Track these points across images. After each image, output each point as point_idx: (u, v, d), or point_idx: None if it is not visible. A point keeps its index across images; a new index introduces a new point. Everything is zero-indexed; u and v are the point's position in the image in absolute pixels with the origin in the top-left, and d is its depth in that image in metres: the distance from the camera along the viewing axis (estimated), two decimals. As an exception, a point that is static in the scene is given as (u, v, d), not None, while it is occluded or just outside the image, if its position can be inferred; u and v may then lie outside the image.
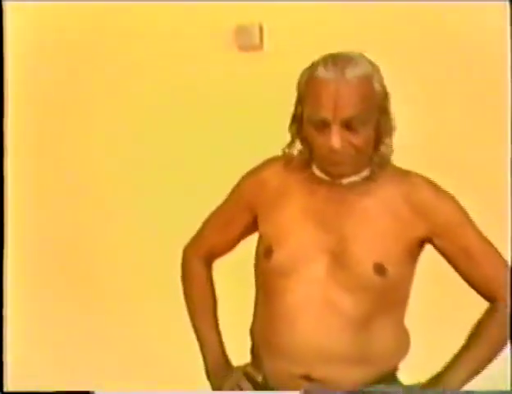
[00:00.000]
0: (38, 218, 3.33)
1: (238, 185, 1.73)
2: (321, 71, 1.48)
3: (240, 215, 1.71)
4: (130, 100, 2.92)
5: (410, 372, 1.68)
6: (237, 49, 2.38)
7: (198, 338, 1.78)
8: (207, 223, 1.78)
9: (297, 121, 1.58)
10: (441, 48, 2.56)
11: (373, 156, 1.55)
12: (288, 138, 1.62)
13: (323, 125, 1.48)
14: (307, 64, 2.42)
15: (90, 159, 3.16)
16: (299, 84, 1.55)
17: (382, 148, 1.55)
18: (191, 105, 2.65)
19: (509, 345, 1.29)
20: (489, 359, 1.58)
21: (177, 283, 1.96)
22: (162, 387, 2.93)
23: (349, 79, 1.46)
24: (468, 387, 1.72)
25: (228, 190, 1.78)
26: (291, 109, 2.26)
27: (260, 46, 2.34)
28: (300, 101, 1.56)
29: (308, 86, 1.51)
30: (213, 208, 1.80)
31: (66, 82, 3.15)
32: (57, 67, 3.15)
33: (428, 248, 1.66)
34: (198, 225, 1.88)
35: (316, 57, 2.40)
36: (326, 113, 1.46)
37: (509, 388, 2.51)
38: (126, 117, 2.98)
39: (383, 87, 1.53)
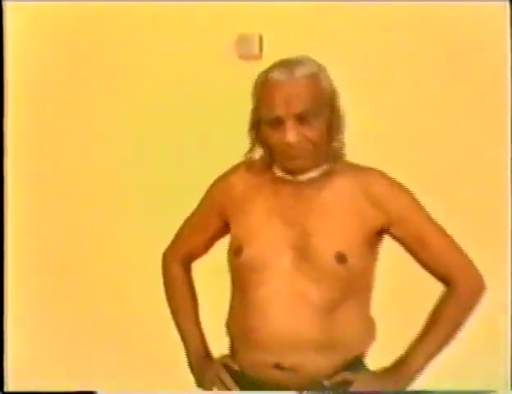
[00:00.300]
0: (38, 217, 3.37)
1: (208, 192, 1.84)
2: (273, 74, 1.62)
3: (211, 219, 1.82)
4: (130, 102, 2.99)
5: (378, 358, 1.73)
6: (238, 58, 2.49)
7: (181, 335, 1.89)
8: (182, 229, 1.91)
9: (255, 127, 1.69)
10: (442, 49, 2.60)
11: (328, 151, 1.65)
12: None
13: (278, 123, 1.60)
14: None
15: (90, 159, 3.22)
16: (254, 90, 1.68)
17: (335, 144, 1.66)
18: (192, 109, 2.73)
19: (509, 345, 1.29)
20: (447, 341, 1.67)
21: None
22: (163, 386, 2.94)
23: (298, 77, 1.60)
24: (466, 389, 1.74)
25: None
26: None
27: (259, 55, 2.46)
28: (257, 106, 1.68)
29: (263, 89, 1.64)
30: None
31: (66, 82, 3.25)
32: (56, 67, 3.24)
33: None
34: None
35: None
36: (279, 111, 1.59)
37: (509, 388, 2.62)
38: (127, 119, 3.03)
39: (331, 85, 1.66)
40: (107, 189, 3.13)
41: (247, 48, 2.45)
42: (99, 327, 3.15)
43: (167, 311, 2.26)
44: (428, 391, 1.84)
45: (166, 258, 1.95)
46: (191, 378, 2.06)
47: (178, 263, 1.93)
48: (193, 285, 1.93)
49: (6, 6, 3.19)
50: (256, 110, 1.69)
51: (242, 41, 2.45)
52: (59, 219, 3.31)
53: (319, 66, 1.66)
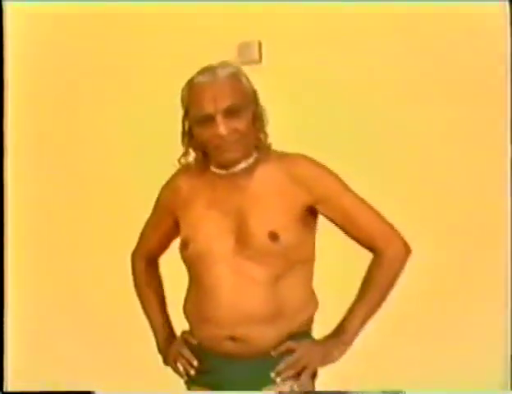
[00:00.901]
0: (38, 215, 3.40)
1: (158, 196, 2.02)
2: (198, 78, 1.80)
3: (163, 221, 2.00)
4: (133, 103, 3.06)
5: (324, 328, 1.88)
6: (240, 63, 2.73)
7: (150, 323, 2.07)
8: (143, 232, 2.10)
9: (187, 134, 1.87)
10: (442, 48, 2.68)
11: (255, 142, 1.83)
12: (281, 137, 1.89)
13: (209, 120, 1.77)
14: (297, 76, 2.74)
15: (89, 158, 3.28)
16: (182, 99, 1.84)
17: (262, 135, 1.84)
18: None
19: (509, 345, 1.27)
20: (379, 304, 1.83)
21: (178, 283, 2.13)
22: (162, 386, 2.88)
23: (221, 77, 1.78)
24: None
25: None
26: (284, 110, 2.61)
27: (259, 60, 2.68)
28: (186, 114, 1.85)
29: (190, 94, 1.81)
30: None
31: (65, 82, 3.33)
32: (56, 67, 3.31)
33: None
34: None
35: (306, 70, 2.74)
36: (208, 108, 1.76)
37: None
38: (129, 121, 3.10)
39: (250, 84, 1.83)
40: (107, 186, 3.21)
41: (248, 53, 2.69)
42: (99, 327, 3.26)
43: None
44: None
45: (132, 258, 2.13)
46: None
47: (142, 261, 2.10)
48: (156, 278, 2.11)
49: (6, 6, 3.20)
50: (185, 116, 1.85)
51: (243, 48, 2.67)
52: (59, 218, 3.35)
53: (238, 68, 1.83)
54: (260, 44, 2.69)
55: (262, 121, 1.86)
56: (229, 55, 2.75)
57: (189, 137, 1.87)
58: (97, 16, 3.18)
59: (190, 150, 1.89)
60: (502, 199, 2.52)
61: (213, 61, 2.77)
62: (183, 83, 2.77)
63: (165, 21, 2.85)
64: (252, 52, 2.68)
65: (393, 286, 1.83)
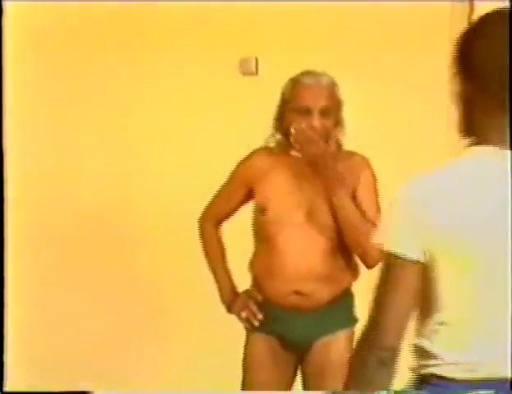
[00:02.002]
0: (39, 212, 3.51)
1: (234, 170, 2.40)
2: (304, 79, 2.26)
3: (238, 190, 2.39)
4: (136, 104, 3.31)
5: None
6: (241, 74, 3.22)
7: (214, 278, 2.43)
8: (214, 198, 2.46)
9: (278, 120, 2.32)
10: (442, 49, 2.68)
11: (334, 140, 2.30)
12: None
13: (307, 113, 2.22)
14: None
15: (89, 156, 3.46)
16: (283, 92, 2.29)
17: (339, 136, 2.33)
18: (204, 112, 3.26)
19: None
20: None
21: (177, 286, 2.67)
22: (162, 384, 3.28)
23: (322, 83, 2.26)
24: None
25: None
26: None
27: (255, 72, 3.22)
28: (284, 103, 2.28)
29: (294, 89, 2.26)
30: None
31: (65, 82, 3.48)
32: (56, 67, 3.45)
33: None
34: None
35: None
36: (309, 103, 2.23)
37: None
38: (132, 124, 3.33)
39: (339, 94, 2.30)
40: (110, 184, 3.42)
41: (247, 67, 3.24)
42: (100, 325, 3.42)
43: (168, 309, 2.92)
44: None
45: (202, 219, 2.45)
46: (192, 376, 2.80)
47: (211, 224, 2.45)
48: (221, 239, 2.46)
49: (6, 6, 3.19)
50: (282, 106, 2.29)
51: (243, 62, 3.23)
52: (60, 213, 3.46)
53: (333, 79, 2.29)
54: (257, 60, 3.23)
55: (343, 126, 2.31)
56: (232, 67, 3.33)
57: (279, 123, 2.32)
58: (98, 18, 3.39)
59: (277, 134, 2.33)
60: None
61: (220, 72, 3.35)
62: (192, 92, 3.32)
63: (178, 40, 3.29)
64: (250, 65, 3.24)
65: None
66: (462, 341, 1.35)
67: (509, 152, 1.34)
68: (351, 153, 2.35)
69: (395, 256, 1.34)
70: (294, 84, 2.28)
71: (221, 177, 2.49)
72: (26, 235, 3.50)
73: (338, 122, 2.31)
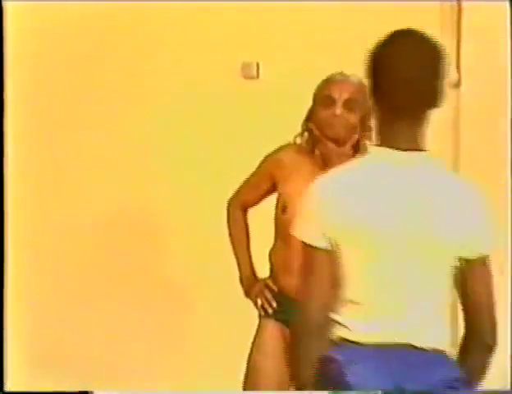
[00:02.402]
0: (39, 207, 3.50)
1: (261, 162, 2.48)
2: (334, 76, 2.34)
3: (263, 182, 2.48)
4: (137, 107, 3.34)
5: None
6: (243, 78, 3.33)
7: (237, 261, 2.54)
8: (242, 187, 2.56)
9: (308, 119, 2.37)
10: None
11: (360, 138, 2.31)
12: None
13: (330, 102, 2.27)
14: (288, 89, 3.40)
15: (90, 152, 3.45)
16: (315, 91, 2.34)
17: (366, 135, 2.31)
18: (203, 114, 3.34)
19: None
20: None
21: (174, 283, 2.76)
22: (162, 381, 3.26)
23: (351, 80, 2.30)
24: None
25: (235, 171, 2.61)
26: (275, 116, 3.19)
27: (256, 76, 3.34)
28: (314, 101, 2.33)
29: (322, 85, 2.33)
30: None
31: (65, 81, 3.47)
32: (56, 67, 3.44)
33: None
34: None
35: (295, 85, 3.37)
36: (334, 93, 2.29)
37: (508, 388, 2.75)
38: (133, 120, 3.37)
39: (368, 97, 2.28)
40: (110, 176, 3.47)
41: (248, 71, 3.36)
42: (100, 323, 3.45)
43: (166, 304, 3.01)
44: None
45: (230, 205, 2.57)
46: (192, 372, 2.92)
47: (238, 210, 2.56)
48: (247, 225, 2.57)
49: (7, 6, 3.19)
50: (313, 103, 2.34)
51: (245, 66, 3.35)
52: (60, 210, 3.47)
53: (364, 82, 2.31)
54: (258, 64, 3.36)
55: (369, 127, 2.26)
56: (234, 71, 3.48)
57: (307, 122, 2.38)
58: (100, 19, 3.42)
59: (305, 133, 2.39)
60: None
61: (223, 76, 3.50)
62: (195, 95, 3.40)
63: (181, 44, 3.42)
64: (251, 70, 3.36)
65: None
66: (365, 315, 1.68)
67: (409, 153, 1.61)
68: None
69: (307, 245, 1.63)
70: (325, 82, 2.37)
71: (224, 178, 2.64)
72: (27, 234, 3.51)
73: (364, 124, 2.32)
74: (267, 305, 2.44)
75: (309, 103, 2.44)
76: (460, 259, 1.67)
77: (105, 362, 3.43)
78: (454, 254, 1.67)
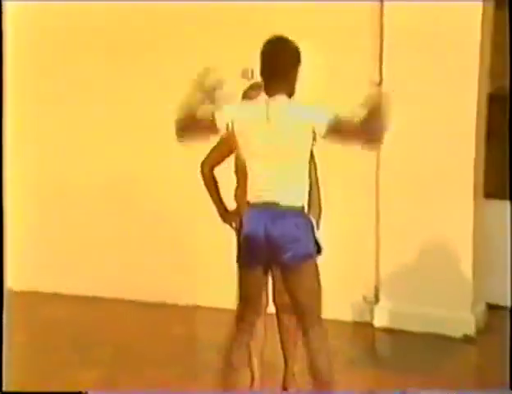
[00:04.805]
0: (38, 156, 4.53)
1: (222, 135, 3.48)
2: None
3: (225, 147, 3.70)
4: (140, 102, 4.48)
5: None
6: (241, 78, 4.78)
7: (213, 202, 3.88)
8: (210, 152, 3.84)
9: (244, 97, 3.86)
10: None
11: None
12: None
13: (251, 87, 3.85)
14: None
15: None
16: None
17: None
18: None
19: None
20: None
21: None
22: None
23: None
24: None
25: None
26: None
27: (251, 77, 4.72)
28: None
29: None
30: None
31: (65, 81, 4.12)
32: (56, 67, 3.99)
33: None
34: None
35: None
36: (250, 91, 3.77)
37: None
38: (132, 122, 4.55)
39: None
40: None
41: (245, 74, 4.82)
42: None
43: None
44: None
45: (203, 166, 3.87)
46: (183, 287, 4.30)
47: (208, 168, 3.87)
48: (215, 178, 3.86)
49: (7, 6, 3.17)
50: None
51: (244, 72, 4.85)
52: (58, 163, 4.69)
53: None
54: (252, 70, 4.81)
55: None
56: (236, 74, 4.87)
57: (243, 98, 3.84)
58: (101, 19, 4.48)
59: None
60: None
61: (229, 76, 4.88)
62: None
63: (188, 51, 5.05)
64: (248, 73, 4.83)
65: None
66: (257, 187, 3.17)
67: (275, 96, 3.25)
68: None
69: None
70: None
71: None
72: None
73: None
74: (236, 226, 3.69)
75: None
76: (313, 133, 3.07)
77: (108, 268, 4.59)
78: (307, 133, 3.07)
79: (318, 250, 3.16)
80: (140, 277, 5.20)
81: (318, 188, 3.70)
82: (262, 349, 3.90)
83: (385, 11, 4.56)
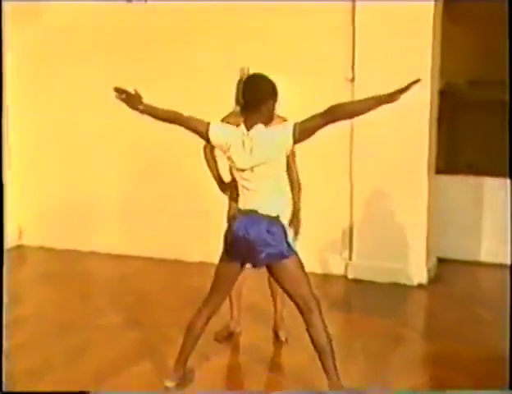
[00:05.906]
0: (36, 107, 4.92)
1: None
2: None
3: None
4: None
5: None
6: (239, 76, 5.73)
7: (212, 175, 4.61)
8: None
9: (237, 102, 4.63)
10: None
11: None
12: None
13: None
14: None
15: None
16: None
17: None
18: (208, 99, 5.62)
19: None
20: None
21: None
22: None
23: None
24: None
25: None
26: None
27: (247, 75, 5.72)
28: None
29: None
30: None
31: (65, 81, 4.33)
32: (56, 67, 4.09)
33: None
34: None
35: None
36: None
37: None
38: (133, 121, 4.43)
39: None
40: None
41: (243, 72, 5.77)
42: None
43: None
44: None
45: (204, 148, 4.56)
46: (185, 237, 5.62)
47: (209, 149, 4.55)
48: (215, 157, 4.53)
49: (6, 6, 3.12)
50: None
51: (241, 70, 5.79)
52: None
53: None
54: (248, 68, 5.75)
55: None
56: (234, 72, 5.84)
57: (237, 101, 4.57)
58: (100, 19, 4.90)
59: (238, 106, 4.42)
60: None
61: (227, 76, 5.86)
62: (203, 90, 6.17)
63: (192, 50, 5.99)
64: (245, 71, 5.76)
65: None
66: (245, 198, 3.76)
67: (253, 126, 3.81)
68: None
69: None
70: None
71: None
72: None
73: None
74: (234, 195, 4.13)
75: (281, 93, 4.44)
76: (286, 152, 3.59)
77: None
78: (280, 151, 3.62)
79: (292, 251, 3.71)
80: (159, 238, 6.25)
81: (300, 187, 4.48)
82: (240, 291, 4.61)
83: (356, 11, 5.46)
